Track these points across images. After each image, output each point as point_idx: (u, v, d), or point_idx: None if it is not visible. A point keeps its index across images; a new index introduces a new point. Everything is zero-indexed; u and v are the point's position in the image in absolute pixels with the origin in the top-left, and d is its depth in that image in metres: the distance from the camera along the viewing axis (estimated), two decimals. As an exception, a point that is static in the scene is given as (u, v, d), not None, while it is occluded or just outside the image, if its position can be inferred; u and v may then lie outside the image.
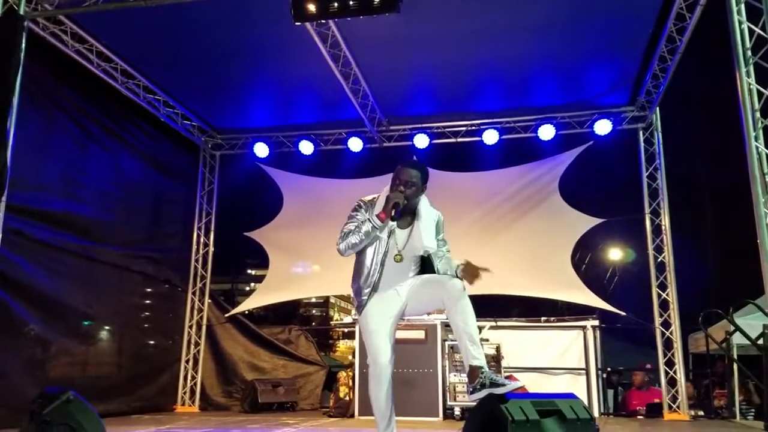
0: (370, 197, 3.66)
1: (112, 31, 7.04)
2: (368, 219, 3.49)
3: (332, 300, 36.60)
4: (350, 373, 7.88)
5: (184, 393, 9.08)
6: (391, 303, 3.59)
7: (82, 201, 7.36)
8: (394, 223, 3.55)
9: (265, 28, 6.79)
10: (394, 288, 3.60)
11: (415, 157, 9.47)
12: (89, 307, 7.43)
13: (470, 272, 3.45)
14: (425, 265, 3.73)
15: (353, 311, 7.82)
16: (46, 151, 6.90)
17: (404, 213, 3.56)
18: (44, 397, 3.80)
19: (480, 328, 7.87)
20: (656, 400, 8.39)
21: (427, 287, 3.58)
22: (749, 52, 5.04)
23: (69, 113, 7.22)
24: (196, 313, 9.44)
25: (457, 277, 3.47)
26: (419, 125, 9.22)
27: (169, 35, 7.02)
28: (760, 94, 4.99)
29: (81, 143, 7.42)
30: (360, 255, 3.62)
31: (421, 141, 9.15)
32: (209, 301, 9.64)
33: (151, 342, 8.82)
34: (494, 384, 3.22)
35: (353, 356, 7.77)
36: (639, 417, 8.30)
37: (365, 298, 3.56)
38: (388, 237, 3.56)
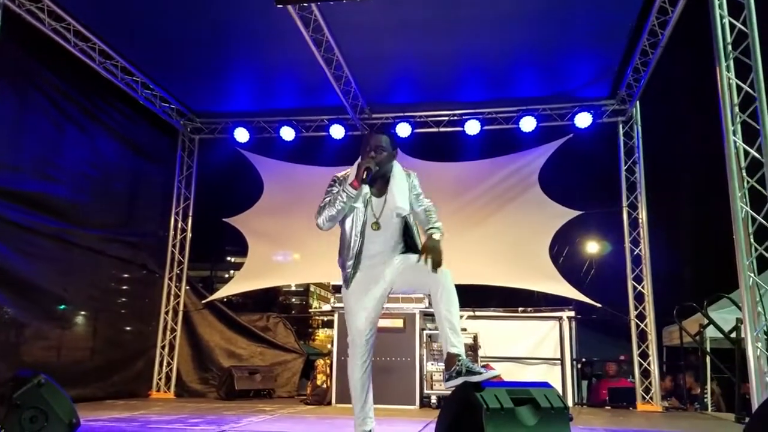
0: (343, 172, 3.66)
1: (91, 10, 6.91)
2: (342, 189, 3.50)
3: (312, 288, 36.55)
4: (328, 361, 7.87)
5: (160, 379, 9.02)
6: (375, 285, 3.61)
7: (57, 182, 7.23)
8: (368, 192, 3.55)
9: (246, 11, 6.69)
10: (378, 266, 3.59)
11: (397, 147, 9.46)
12: (64, 291, 7.32)
13: (434, 247, 3.46)
14: (408, 239, 3.72)
15: (332, 299, 7.81)
16: (21, 130, 6.76)
17: (377, 179, 3.57)
18: (15, 381, 3.75)
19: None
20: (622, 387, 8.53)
21: (414, 271, 3.58)
22: (730, 47, 5.08)
23: (45, 93, 7.07)
24: (172, 298, 9.35)
25: (432, 235, 3.50)
26: (401, 114, 9.19)
27: (148, 16, 6.89)
28: (739, 89, 5.03)
29: (57, 124, 7.27)
30: (342, 229, 3.63)
31: (404, 130, 9.12)
32: (187, 287, 9.56)
33: (127, 327, 8.72)
34: (470, 372, 3.24)
35: (332, 345, 7.76)
36: (607, 408, 8.40)
37: (350, 270, 3.58)
38: (365, 206, 3.56)
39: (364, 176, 3.45)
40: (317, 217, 3.56)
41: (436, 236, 3.51)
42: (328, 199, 3.56)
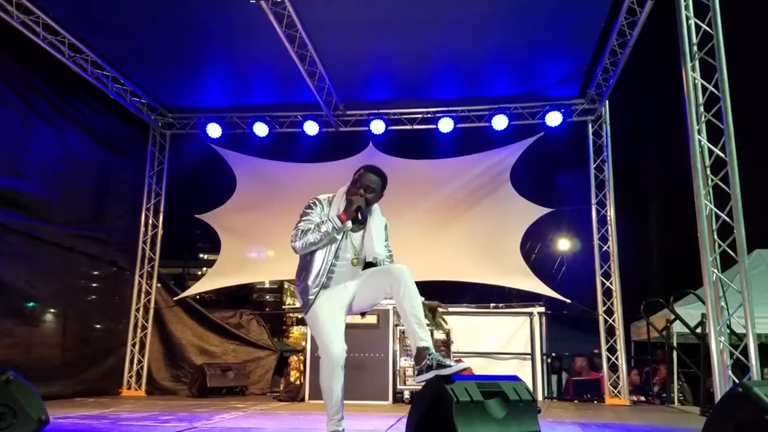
0: (325, 196, 3.66)
1: (60, 2, 6.82)
2: (329, 219, 3.49)
3: (286, 285, 36.39)
4: (301, 358, 7.88)
5: (131, 377, 8.94)
6: (340, 294, 3.60)
7: (25, 177, 7.10)
8: (350, 226, 3.57)
9: (219, 5, 6.66)
10: (341, 290, 3.62)
11: (371, 143, 9.52)
12: (32, 288, 7.20)
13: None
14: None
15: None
16: (-13, 124, 6.65)
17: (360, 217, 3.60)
18: (-18, 377, 3.69)
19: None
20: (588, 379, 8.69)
21: (372, 277, 3.61)
22: (695, 48, 5.20)
23: (13, 86, 6.94)
24: (143, 295, 9.27)
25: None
26: (376, 111, 9.23)
27: (119, 10, 6.82)
28: (704, 89, 5.15)
29: (25, 118, 7.15)
30: (309, 254, 3.58)
31: (378, 127, 9.15)
32: (158, 284, 9.47)
33: (97, 324, 8.61)
34: (441, 365, 3.27)
35: (306, 342, 7.76)
36: (576, 402, 8.54)
37: (312, 297, 3.52)
38: (341, 239, 3.57)
39: (359, 217, 3.50)
40: (296, 241, 3.50)
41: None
42: (308, 225, 3.51)
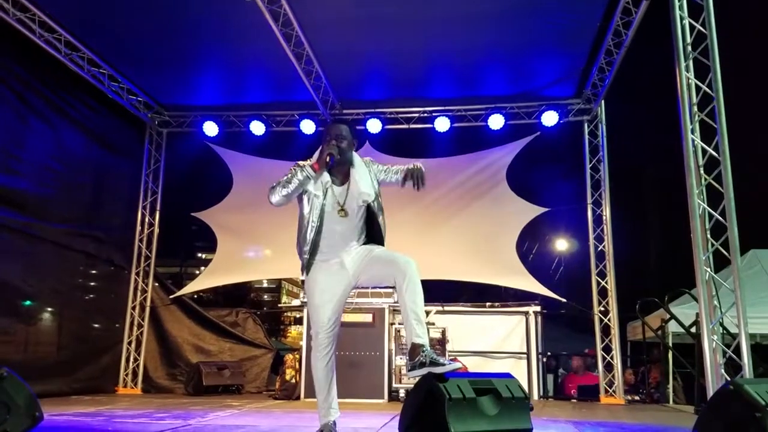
0: (305, 161, 3.65)
1: (57, 1, 6.81)
2: (301, 168, 3.53)
3: (284, 285, 36.37)
4: (297, 356, 7.89)
5: (126, 375, 8.94)
6: (338, 278, 3.60)
7: (21, 176, 7.10)
8: (329, 180, 3.57)
9: (216, 3, 6.67)
10: (339, 255, 3.61)
11: (367, 142, 9.52)
12: (28, 286, 7.21)
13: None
14: (371, 230, 3.74)
15: (301, 294, 7.82)
16: (-17, 122, 6.65)
17: (338, 166, 3.60)
18: (-24, 374, 3.69)
19: (426, 312, 8.05)
20: (590, 384, 8.69)
21: (378, 263, 3.60)
22: (689, 47, 5.22)
23: (8, 84, 6.94)
24: (139, 294, 9.27)
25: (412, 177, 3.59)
26: (372, 110, 9.24)
27: (116, 7, 6.82)
28: (698, 89, 5.17)
29: (21, 115, 7.15)
30: (300, 215, 3.64)
31: (374, 126, 9.17)
32: (155, 283, 9.48)
33: (93, 323, 8.61)
34: (434, 363, 3.28)
35: (303, 341, 7.77)
36: (573, 400, 8.56)
37: (307, 257, 3.59)
38: (324, 195, 3.57)
39: (328, 161, 3.50)
40: (271, 194, 3.54)
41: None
42: (285, 177, 3.57)
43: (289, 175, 3.55)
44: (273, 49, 7.35)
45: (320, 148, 3.64)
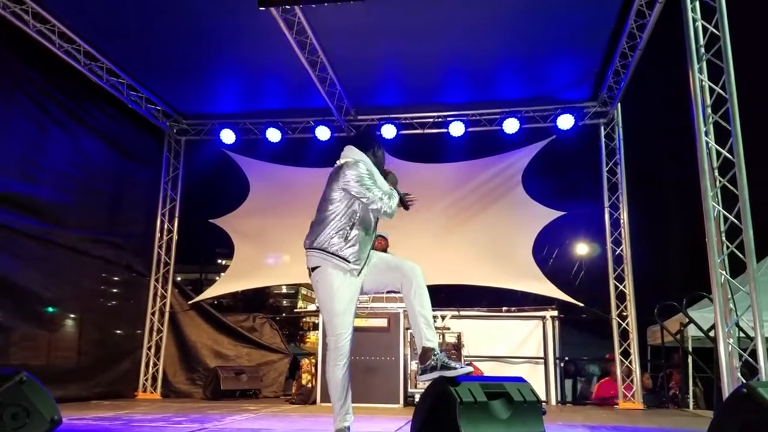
0: (366, 170, 3.67)
1: (75, 11, 6.94)
2: (400, 195, 3.73)
3: (303, 291, 36.51)
4: (313, 361, 7.92)
5: (146, 380, 9.04)
6: (353, 284, 3.61)
7: (41, 183, 7.24)
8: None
9: (231, 13, 6.75)
10: (360, 263, 3.65)
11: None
12: (48, 292, 7.32)
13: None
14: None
15: (322, 300, 7.84)
16: (4, 131, 6.77)
17: None
18: (-3, 378, 3.78)
19: (442, 317, 8.07)
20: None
21: (384, 269, 3.64)
22: (702, 49, 5.19)
23: (29, 94, 7.09)
24: (159, 300, 9.38)
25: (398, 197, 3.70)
26: (387, 116, 9.28)
27: (133, 18, 6.93)
28: (711, 91, 5.13)
29: (41, 124, 7.29)
30: (362, 219, 3.63)
31: (389, 131, 9.20)
32: (174, 289, 9.58)
33: (112, 328, 8.73)
34: (445, 367, 3.30)
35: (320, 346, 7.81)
36: (588, 404, 8.43)
37: (358, 267, 3.59)
38: (361, 209, 3.64)
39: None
40: (388, 205, 3.60)
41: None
42: (382, 191, 3.64)
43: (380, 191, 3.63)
44: (288, 57, 7.42)
45: (372, 163, 3.78)
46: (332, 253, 3.54)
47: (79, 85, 7.84)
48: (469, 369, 3.41)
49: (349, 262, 3.53)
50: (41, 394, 3.76)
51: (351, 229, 3.57)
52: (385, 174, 3.81)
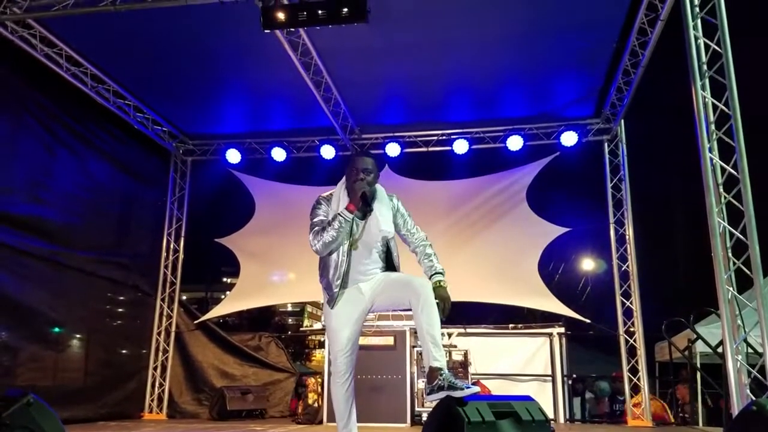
0: (327, 193, 3.70)
1: (82, 35, 7.04)
2: (338, 214, 3.50)
3: (309, 309, 36.40)
4: (319, 380, 7.90)
5: (152, 400, 9.01)
6: (356, 304, 3.60)
7: (49, 205, 7.31)
8: (360, 215, 3.54)
9: (236, 34, 6.83)
10: (358, 284, 3.61)
11: (387, 166, 9.60)
12: (55, 313, 7.35)
13: (445, 297, 3.52)
14: (389, 260, 3.75)
15: (323, 317, 7.85)
16: (12, 154, 6.85)
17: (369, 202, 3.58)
18: (4, 400, 3.77)
19: (449, 335, 8.04)
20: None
21: (394, 286, 3.60)
22: (705, 66, 5.21)
23: (37, 117, 7.18)
24: (165, 319, 9.38)
25: (438, 284, 3.53)
26: (391, 134, 9.33)
27: (139, 41, 7.02)
28: (714, 107, 5.15)
29: (49, 147, 7.37)
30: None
31: (393, 149, 9.25)
32: (180, 308, 9.59)
33: (119, 348, 8.73)
34: (452, 387, 3.27)
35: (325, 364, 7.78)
36: (596, 422, 8.36)
37: (336, 290, 3.56)
38: (350, 228, 3.55)
39: (362, 202, 3.50)
40: (314, 243, 3.54)
41: (444, 284, 3.58)
42: (319, 224, 3.57)
43: (323, 222, 3.55)
44: (292, 77, 7.49)
45: (344, 181, 3.65)
46: (327, 286, 3.62)
47: (87, 108, 7.93)
48: (476, 389, 3.37)
49: (331, 287, 3.58)
50: (48, 416, 3.76)
51: (329, 255, 3.59)
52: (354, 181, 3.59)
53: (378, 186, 3.72)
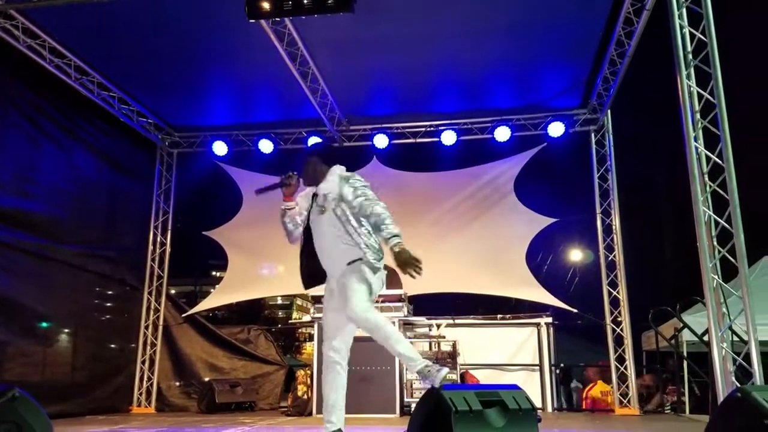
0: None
1: (66, 26, 6.96)
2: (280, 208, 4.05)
3: (294, 300, 36.45)
4: (308, 372, 7.89)
5: (140, 394, 8.98)
6: (330, 297, 4.00)
7: (34, 198, 7.23)
8: (291, 204, 4.05)
9: (222, 25, 6.76)
10: (330, 277, 3.98)
11: (375, 157, 9.59)
12: (43, 307, 7.30)
13: (404, 261, 3.60)
14: (348, 237, 3.89)
15: (312, 310, 7.85)
16: (-3, 147, 6.79)
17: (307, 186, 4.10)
18: (-12, 395, 3.75)
19: (437, 326, 8.07)
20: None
21: (337, 318, 3.95)
22: (690, 56, 5.23)
23: (21, 109, 7.09)
24: (152, 313, 9.34)
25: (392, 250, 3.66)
26: (379, 125, 9.31)
27: (124, 31, 6.95)
28: (700, 96, 5.17)
29: (34, 140, 7.29)
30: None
31: (381, 141, 9.24)
32: (168, 302, 9.55)
33: (106, 342, 8.69)
34: (425, 377, 3.61)
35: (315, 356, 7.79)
36: (586, 412, 8.44)
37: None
38: (307, 220, 4.02)
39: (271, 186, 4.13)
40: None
41: (397, 248, 3.59)
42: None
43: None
44: (279, 68, 7.45)
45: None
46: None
47: (71, 100, 7.84)
48: (445, 370, 3.58)
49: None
50: (34, 410, 3.73)
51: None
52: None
53: (335, 169, 4.00)
